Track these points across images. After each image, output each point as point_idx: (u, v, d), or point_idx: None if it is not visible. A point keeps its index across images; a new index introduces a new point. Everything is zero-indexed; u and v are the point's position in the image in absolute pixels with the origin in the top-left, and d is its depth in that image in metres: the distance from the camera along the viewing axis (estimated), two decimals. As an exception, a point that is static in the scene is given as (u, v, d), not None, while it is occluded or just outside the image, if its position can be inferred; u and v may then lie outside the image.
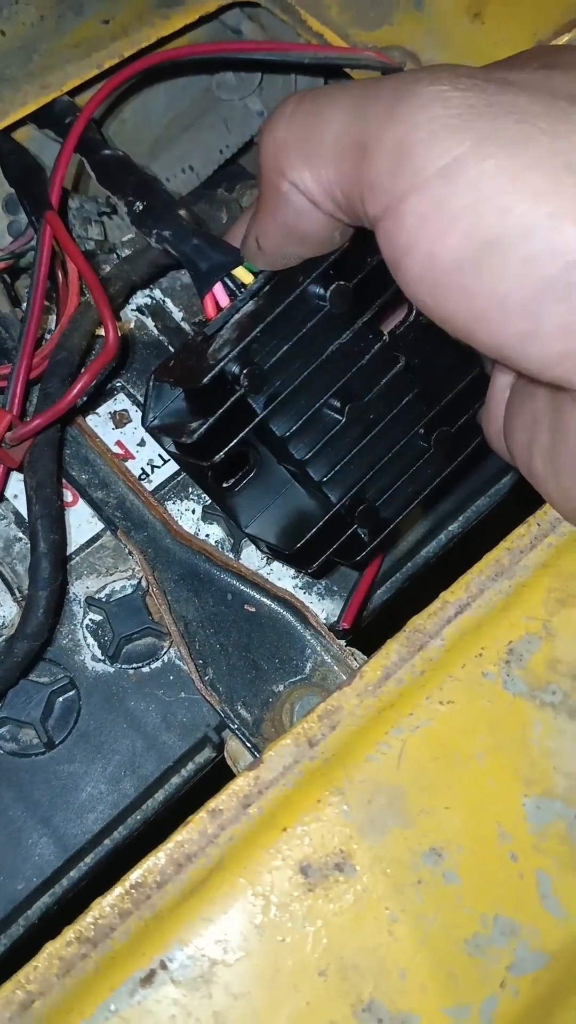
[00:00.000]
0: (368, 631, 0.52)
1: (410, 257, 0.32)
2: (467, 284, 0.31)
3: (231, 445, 0.42)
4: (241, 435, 0.42)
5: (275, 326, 0.41)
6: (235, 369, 0.41)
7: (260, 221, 0.39)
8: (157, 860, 0.37)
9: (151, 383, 0.45)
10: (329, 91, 0.35)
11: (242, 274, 0.43)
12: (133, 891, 0.37)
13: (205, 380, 0.41)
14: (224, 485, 0.45)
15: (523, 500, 0.45)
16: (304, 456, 0.43)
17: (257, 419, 0.42)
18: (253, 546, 0.51)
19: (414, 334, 0.44)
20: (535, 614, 0.41)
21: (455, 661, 0.40)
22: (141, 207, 0.48)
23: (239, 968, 0.36)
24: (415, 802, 0.38)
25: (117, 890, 0.37)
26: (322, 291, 0.40)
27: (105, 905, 0.37)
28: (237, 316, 0.42)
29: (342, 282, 0.40)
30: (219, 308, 0.44)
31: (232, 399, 0.41)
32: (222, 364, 0.41)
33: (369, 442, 0.43)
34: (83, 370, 0.44)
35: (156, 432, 0.45)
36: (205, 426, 0.41)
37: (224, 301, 0.44)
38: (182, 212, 0.48)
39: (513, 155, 0.30)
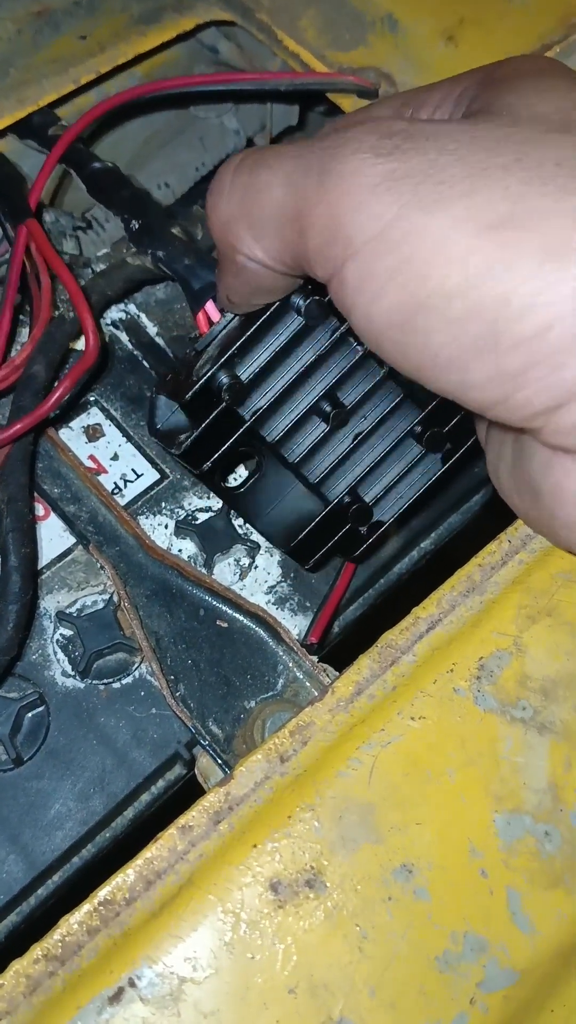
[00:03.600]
0: (341, 647, 0.52)
1: (353, 316, 0.34)
2: (402, 341, 0.32)
3: (218, 455, 0.43)
4: (227, 445, 0.43)
5: (256, 339, 0.42)
6: (218, 382, 0.42)
7: (224, 281, 0.40)
8: (126, 877, 0.37)
9: (152, 395, 0.46)
10: (261, 161, 0.36)
11: None
12: (101, 908, 0.36)
13: (188, 396, 0.43)
14: (232, 485, 0.46)
15: (496, 517, 0.45)
16: (295, 460, 0.45)
17: (242, 428, 0.43)
18: (226, 562, 0.51)
19: None
20: (506, 630, 0.41)
21: (426, 677, 0.40)
22: (137, 225, 0.48)
23: (208, 986, 0.35)
24: (386, 818, 0.38)
25: (85, 907, 0.36)
26: (301, 303, 0.41)
27: (73, 922, 0.36)
28: (224, 331, 0.44)
29: (316, 297, 0.41)
30: (211, 324, 0.45)
31: (215, 411, 0.42)
32: (204, 379, 0.42)
33: (359, 445, 0.45)
34: (64, 374, 0.44)
35: (159, 440, 0.46)
36: (191, 438, 0.43)
37: (216, 316, 0.45)
38: (175, 230, 0.48)
39: (433, 218, 0.31)
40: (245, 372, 0.43)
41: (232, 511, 0.51)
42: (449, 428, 0.46)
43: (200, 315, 0.45)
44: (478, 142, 0.32)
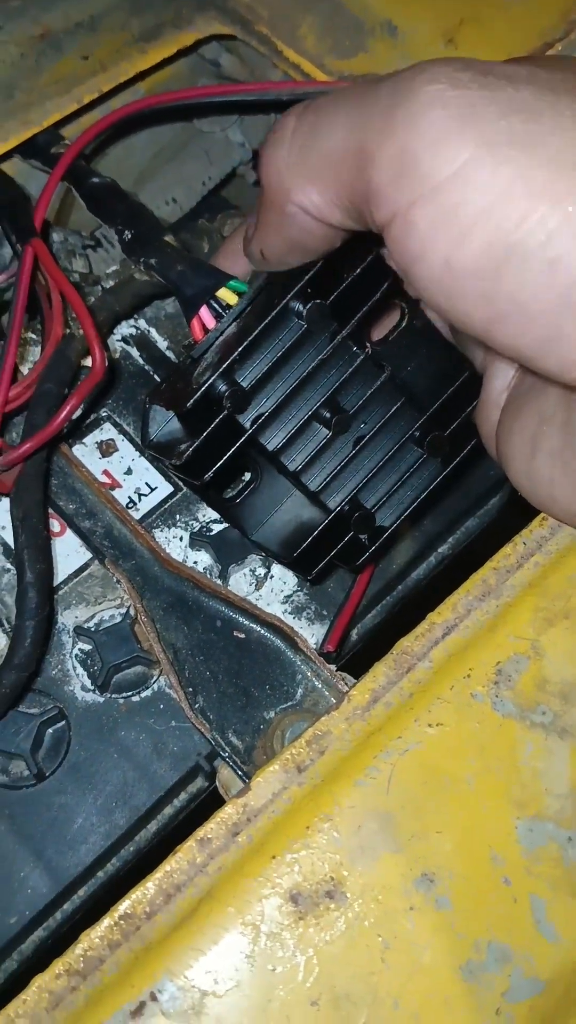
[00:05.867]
0: (361, 656, 0.52)
1: (423, 263, 0.31)
2: (486, 290, 0.31)
3: (219, 464, 0.43)
4: (228, 454, 0.42)
5: (256, 345, 0.41)
6: (218, 390, 0.42)
7: (264, 235, 0.39)
8: (146, 891, 0.37)
9: (146, 406, 0.46)
10: (327, 103, 0.35)
11: (226, 295, 0.44)
12: (122, 922, 0.36)
13: (188, 404, 0.42)
14: (227, 496, 0.46)
15: (513, 522, 0.45)
16: (297, 468, 0.44)
17: (244, 437, 0.42)
18: (241, 572, 0.51)
19: (408, 339, 0.44)
20: (523, 634, 0.40)
21: (443, 683, 0.40)
22: (130, 236, 0.49)
23: (230, 999, 0.35)
24: (405, 827, 0.37)
25: (106, 921, 0.36)
26: (301, 308, 0.41)
27: (94, 937, 0.36)
28: (221, 338, 0.43)
29: (318, 300, 0.40)
30: (206, 330, 0.44)
31: (216, 420, 0.42)
32: (204, 387, 0.42)
33: (361, 451, 0.44)
34: (72, 392, 0.44)
35: (154, 452, 0.45)
36: (191, 448, 0.42)
37: (210, 323, 0.44)
38: (168, 238, 0.48)
39: (524, 157, 0.29)
40: (245, 379, 0.42)
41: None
42: (450, 431, 0.45)
43: (194, 322, 0.44)
44: (558, 84, 0.31)
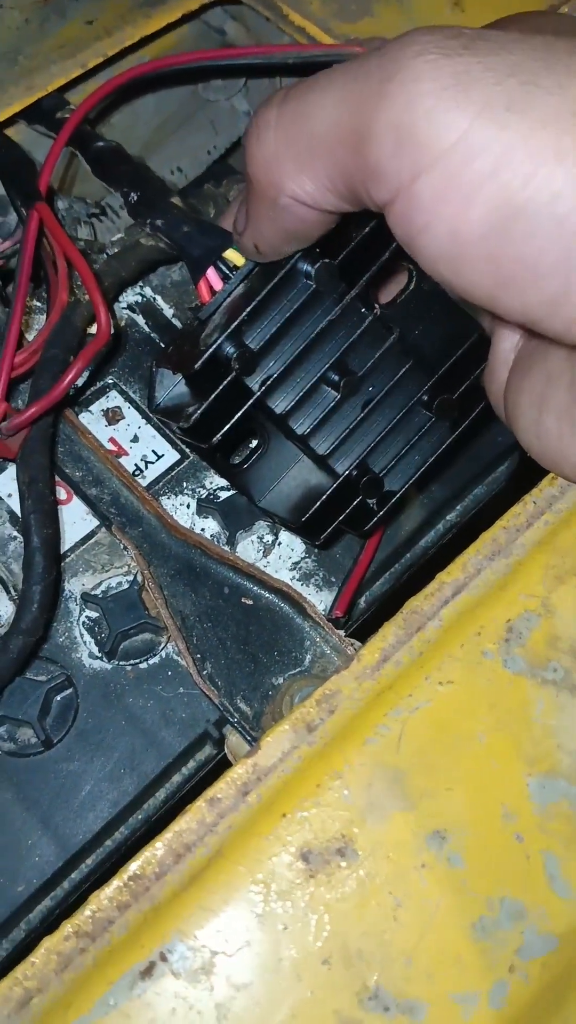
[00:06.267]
0: (369, 623, 0.52)
1: (428, 234, 0.31)
2: (494, 252, 0.30)
3: (228, 427, 0.42)
4: (237, 416, 0.42)
5: (264, 306, 0.41)
6: (226, 352, 0.41)
7: (257, 229, 0.38)
8: (155, 851, 0.37)
9: (153, 369, 0.45)
10: (311, 85, 0.34)
11: (233, 256, 0.43)
12: (131, 883, 0.36)
13: (196, 366, 0.41)
14: (235, 462, 0.45)
15: (522, 487, 0.44)
16: (305, 431, 0.43)
17: (252, 399, 0.42)
18: (249, 539, 0.50)
19: (416, 302, 0.44)
20: (533, 592, 0.40)
21: (453, 641, 0.39)
22: (136, 198, 0.48)
23: (240, 958, 0.35)
24: (416, 784, 0.37)
25: (115, 883, 0.36)
26: (309, 268, 0.40)
27: (103, 898, 0.36)
28: (228, 300, 0.43)
29: (327, 260, 0.40)
30: (213, 292, 0.44)
31: (225, 382, 0.41)
32: (212, 348, 0.41)
33: (369, 414, 0.44)
34: (76, 356, 0.43)
35: (161, 416, 0.45)
36: (199, 411, 0.42)
37: (217, 284, 0.44)
38: (174, 200, 0.48)
39: (525, 118, 0.29)
40: (253, 341, 0.41)
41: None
42: (458, 395, 0.45)
43: (201, 283, 0.44)
44: (552, 43, 0.30)
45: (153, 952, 0.35)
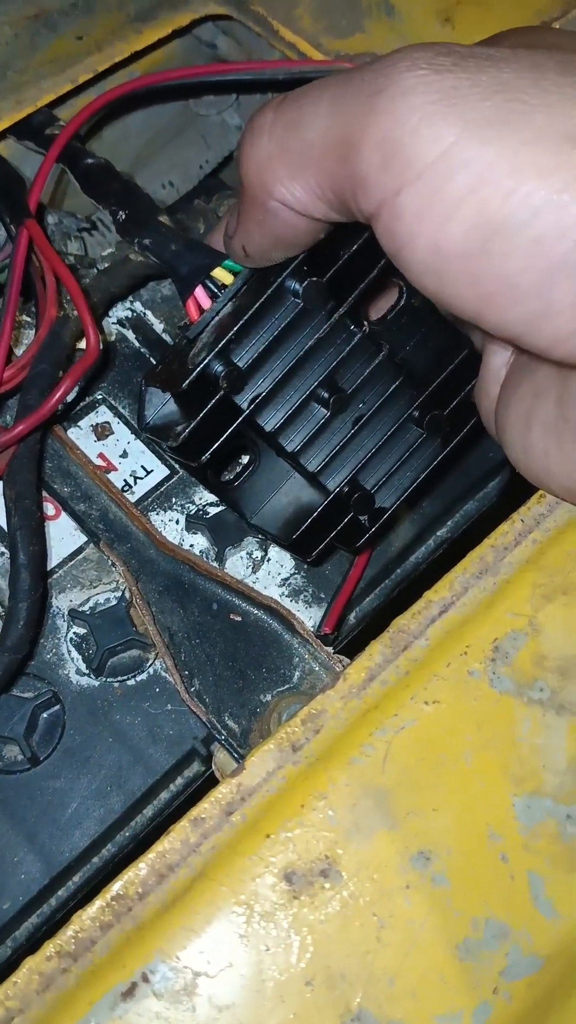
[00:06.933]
0: (359, 639, 0.52)
1: (412, 248, 0.31)
2: (474, 269, 0.31)
3: (217, 445, 0.42)
4: (226, 435, 0.42)
5: (252, 325, 0.41)
6: (214, 370, 0.41)
7: (246, 232, 0.38)
8: (139, 871, 0.36)
9: (142, 388, 0.45)
10: (305, 93, 0.34)
11: (221, 275, 0.44)
12: (114, 903, 0.36)
13: (185, 385, 0.41)
14: (225, 479, 0.45)
15: (511, 506, 0.44)
16: (295, 448, 0.43)
17: (240, 417, 0.42)
18: (238, 555, 0.50)
19: (406, 318, 0.44)
20: (520, 610, 0.40)
21: (440, 660, 0.39)
22: (124, 216, 0.48)
23: (223, 979, 0.35)
24: (401, 804, 0.37)
25: (98, 902, 0.36)
26: (297, 287, 0.40)
27: (86, 918, 0.36)
28: (217, 318, 0.43)
29: (314, 278, 0.40)
30: (202, 310, 0.44)
31: (213, 400, 0.41)
32: (200, 367, 0.41)
33: (360, 431, 0.44)
34: (65, 373, 0.44)
35: (151, 435, 0.45)
36: (188, 429, 0.42)
37: (206, 303, 0.44)
38: (162, 218, 0.48)
39: (508, 135, 0.29)
40: (242, 359, 0.41)
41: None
42: (449, 411, 0.45)
43: (190, 302, 0.44)
44: (542, 61, 0.30)
45: (135, 973, 0.35)
